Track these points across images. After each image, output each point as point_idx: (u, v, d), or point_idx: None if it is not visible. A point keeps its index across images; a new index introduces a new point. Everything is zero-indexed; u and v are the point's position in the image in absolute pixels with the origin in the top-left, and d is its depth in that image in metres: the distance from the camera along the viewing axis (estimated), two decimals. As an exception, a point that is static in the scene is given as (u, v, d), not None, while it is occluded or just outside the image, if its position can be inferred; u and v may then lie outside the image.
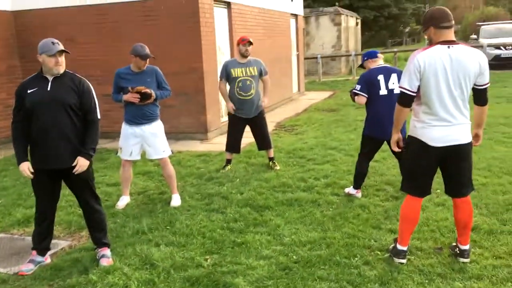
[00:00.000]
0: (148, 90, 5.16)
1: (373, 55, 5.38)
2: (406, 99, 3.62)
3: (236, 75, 6.39)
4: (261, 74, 6.55)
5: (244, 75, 6.40)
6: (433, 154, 3.60)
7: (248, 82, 6.41)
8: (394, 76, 5.11)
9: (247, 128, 6.73)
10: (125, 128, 5.38)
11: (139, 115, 5.27)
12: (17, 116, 3.88)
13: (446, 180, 3.80)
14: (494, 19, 35.87)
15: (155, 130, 5.38)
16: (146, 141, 5.36)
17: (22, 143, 3.88)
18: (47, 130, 3.77)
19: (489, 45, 18.70)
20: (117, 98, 5.32)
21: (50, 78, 3.84)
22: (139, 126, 5.30)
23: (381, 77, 5.14)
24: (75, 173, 3.85)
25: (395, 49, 25.76)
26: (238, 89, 6.41)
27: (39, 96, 3.78)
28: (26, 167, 3.86)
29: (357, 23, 28.15)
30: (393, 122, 3.82)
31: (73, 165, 3.84)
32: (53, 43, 3.78)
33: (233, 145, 6.74)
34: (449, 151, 3.58)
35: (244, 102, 6.45)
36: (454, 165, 3.66)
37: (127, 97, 5.17)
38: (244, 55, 6.40)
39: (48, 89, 3.81)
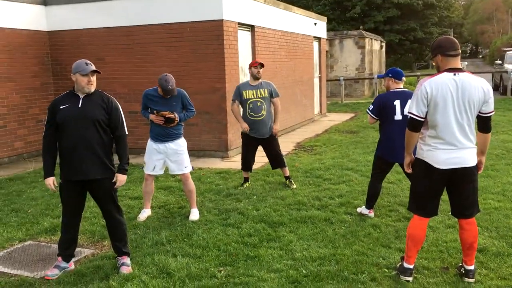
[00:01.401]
0: (172, 115, 5.46)
1: (397, 77, 5.41)
2: (414, 124, 3.79)
3: (247, 97, 6.67)
4: (271, 95, 6.79)
5: (255, 96, 6.67)
6: (439, 176, 3.75)
7: (258, 104, 6.67)
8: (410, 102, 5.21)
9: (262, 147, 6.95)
10: (150, 144, 5.69)
11: (163, 133, 5.58)
12: (48, 130, 4.17)
13: (451, 202, 3.93)
14: (522, 44, 35.58)
15: (178, 147, 5.65)
16: (169, 157, 5.64)
17: (51, 156, 4.19)
18: (77, 144, 4.07)
19: (513, 71, 18.59)
20: (145, 114, 5.66)
21: (82, 96, 4.15)
22: (163, 143, 5.60)
23: (397, 102, 5.27)
24: (116, 187, 4.22)
25: (418, 73, 25.79)
26: (249, 110, 6.69)
27: (71, 112, 4.08)
28: (52, 181, 4.19)
29: (381, 46, 28.32)
30: (405, 144, 3.98)
31: (113, 181, 4.20)
32: (86, 63, 4.11)
33: (245, 164, 6.99)
34: (454, 173, 3.72)
35: (255, 123, 6.71)
36: (459, 187, 3.79)
37: (152, 117, 5.51)
38: (256, 77, 6.70)
39: (79, 105, 4.11)
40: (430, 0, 39.14)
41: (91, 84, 4.12)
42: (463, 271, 3.94)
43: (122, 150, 4.26)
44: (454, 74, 3.65)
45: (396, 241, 4.78)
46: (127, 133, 4.32)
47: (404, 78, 5.49)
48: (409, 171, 4.07)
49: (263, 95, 6.70)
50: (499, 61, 21.59)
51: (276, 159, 6.95)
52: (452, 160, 3.69)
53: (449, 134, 3.68)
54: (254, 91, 6.69)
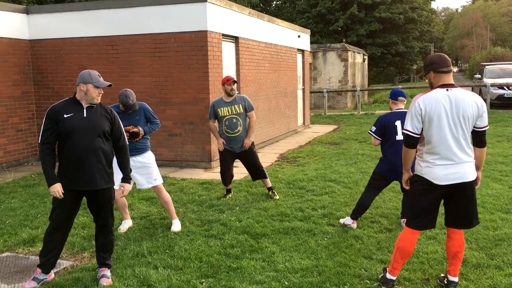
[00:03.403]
0: (136, 129, 5.44)
1: (393, 97, 5.52)
2: (410, 141, 3.80)
3: (223, 114, 6.63)
4: (246, 110, 6.73)
5: (230, 113, 6.63)
6: (438, 192, 3.76)
7: (234, 120, 6.64)
8: None
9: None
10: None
11: (130, 148, 5.50)
12: (49, 138, 4.05)
13: (450, 213, 3.91)
14: (501, 59, 36.35)
15: (146, 160, 5.60)
16: (137, 171, 5.57)
17: (52, 164, 4.08)
18: (82, 154, 4.02)
19: (492, 85, 18.98)
20: None
21: (85, 105, 4.12)
22: (130, 157, 5.52)
23: (398, 123, 5.32)
24: (120, 197, 4.30)
25: (400, 86, 26.11)
26: (225, 127, 6.66)
27: (77, 122, 4.03)
28: (60, 188, 4.03)
29: (364, 59, 28.65)
30: (402, 162, 3.99)
31: (120, 189, 4.31)
32: (99, 75, 4.14)
33: (224, 179, 6.96)
34: (454, 188, 3.74)
35: (232, 139, 6.71)
36: (459, 201, 3.81)
37: None
38: (230, 94, 6.64)
39: (84, 115, 4.08)
40: (411, 15, 39.83)
41: (100, 96, 4.17)
42: (446, 282, 3.97)
43: (125, 160, 4.34)
44: (447, 90, 3.70)
45: (378, 252, 4.80)
46: (127, 143, 4.38)
47: (402, 98, 5.51)
48: (408, 187, 4.04)
49: (238, 111, 6.66)
50: (478, 76, 22.02)
51: (256, 172, 6.93)
52: (451, 176, 3.70)
53: (445, 149, 3.70)
54: (229, 107, 6.64)
